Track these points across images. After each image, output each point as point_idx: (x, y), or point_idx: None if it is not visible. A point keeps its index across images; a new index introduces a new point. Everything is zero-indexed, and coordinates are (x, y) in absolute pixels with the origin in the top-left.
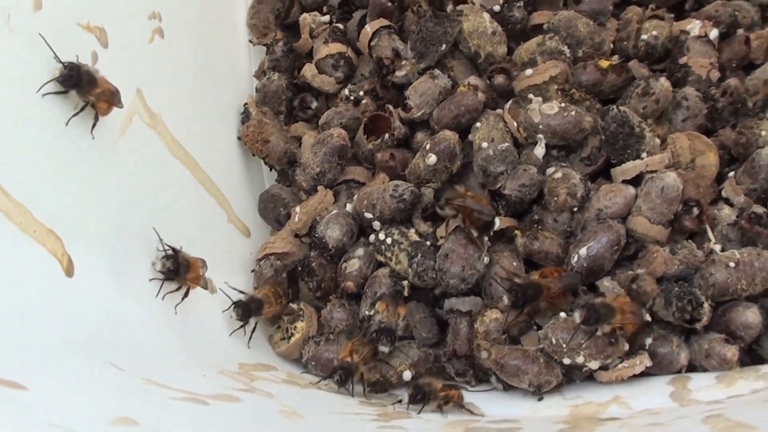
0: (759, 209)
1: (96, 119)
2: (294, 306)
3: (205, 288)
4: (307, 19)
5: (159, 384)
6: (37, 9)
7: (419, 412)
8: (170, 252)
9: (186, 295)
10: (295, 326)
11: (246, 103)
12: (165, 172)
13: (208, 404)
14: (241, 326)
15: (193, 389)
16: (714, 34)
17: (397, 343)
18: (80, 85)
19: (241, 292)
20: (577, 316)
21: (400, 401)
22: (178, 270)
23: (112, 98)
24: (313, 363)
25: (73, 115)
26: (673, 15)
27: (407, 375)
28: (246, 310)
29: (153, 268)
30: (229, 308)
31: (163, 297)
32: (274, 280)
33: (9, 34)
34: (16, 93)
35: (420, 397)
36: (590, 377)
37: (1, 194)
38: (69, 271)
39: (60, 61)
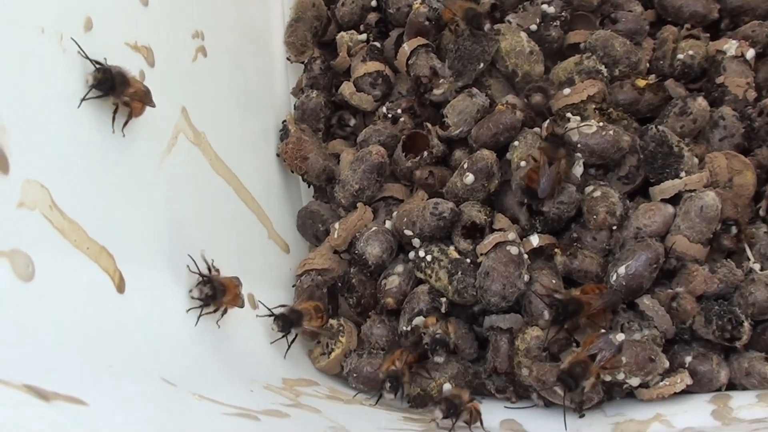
0: None
1: (128, 118)
2: (334, 321)
3: (242, 306)
4: (344, 37)
5: (211, 399)
6: (87, 29)
7: (452, 429)
8: (206, 278)
9: (224, 313)
10: (336, 341)
11: (285, 121)
12: (209, 189)
13: (259, 420)
14: (282, 336)
15: (243, 404)
16: (750, 54)
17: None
18: (114, 86)
19: (282, 305)
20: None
21: (434, 421)
22: (215, 294)
23: (144, 98)
24: (354, 375)
25: (113, 118)
26: (708, 35)
27: (447, 387)
28: (287, 321)
29: (190, 296)
30: (271, 320)
31: (196, 322)
32: (314, 294)
33: (61, 54)
34: (66, 112)
35: (453, 411)
36: (631, 394)
37: (56, 212)
38: (121, 288)
39: (94, 64)
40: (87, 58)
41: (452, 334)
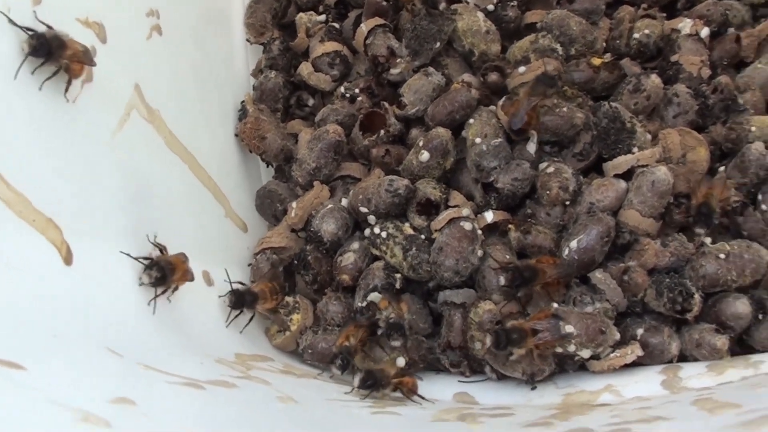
0: (732, 200)
1: (69, 82)
2: (290, 299)
3: (192, 280)
4: (303, 18)
5: (157, 369)
6: (36, 4)
7: (366, 398)
8: (151, 261)
9: (175, 289)
10: (292, 319)
11: (243, 101)
12: (163, 166)
13: (204, 389)
14: (236, 316)
15: (190, 375)
16: (705, 32)
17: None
18: (51, 51)
19: (241, 283)
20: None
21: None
22: (165, 275)
23: (84, 57)
24: (309, 351)
25: (46, 80)
26: (665, 14)
27: (401, 362)
28: (240, 299)
29: (140, 283)
30: (224, 295)
31: (154, 310)
32: (271, 275)
33: (8, 28)
34: (13, 85)
35: (370, 383)
36: (583, 367)
37: (1, 183)
38: (68, 260)
39: (25, 31)
40: (17, 25)
41: (405, 313)
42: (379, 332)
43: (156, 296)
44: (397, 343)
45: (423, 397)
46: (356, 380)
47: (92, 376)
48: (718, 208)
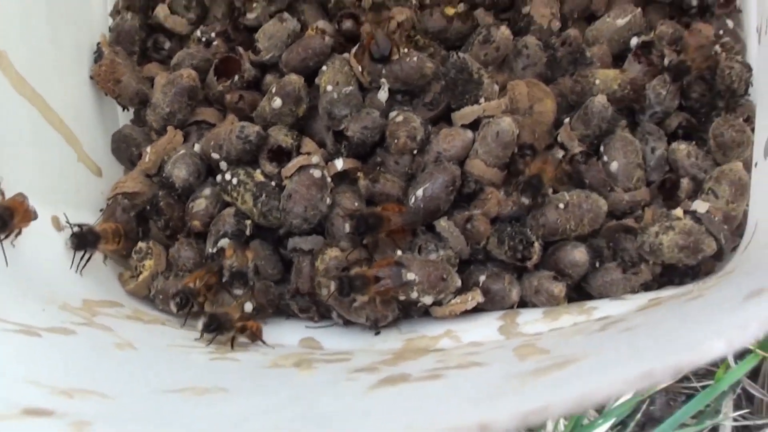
0: (577, 149)
1: None
2: (143, 245)
3: (35, 219)
4: None
5: None
6: None
7: (210, 343)
8: None
9: (19, 233)
10: (144, 264)
11: (99, 43)
12: (9, 108)
13: (40, 336)
14: (81, 258)
15: (28, 322)
16: None
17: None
18: None
19: (81, 225)
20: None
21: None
22: (4, 221)
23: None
24: (160, 297)
25: None
26: None
27: (248, 306)
28: (82, 240)
29: None
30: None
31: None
32: (114, 215)
33: None
34: None
35: (214, 327)
36: (427, 313)
37: None
38: None
39: None
40: None
41: (250, 262)
42: (224, 280)
43: (9, 240)
44: (239, 292)
45: (265, 342)
46: (200, 324)
47: None
48: (548, 184)
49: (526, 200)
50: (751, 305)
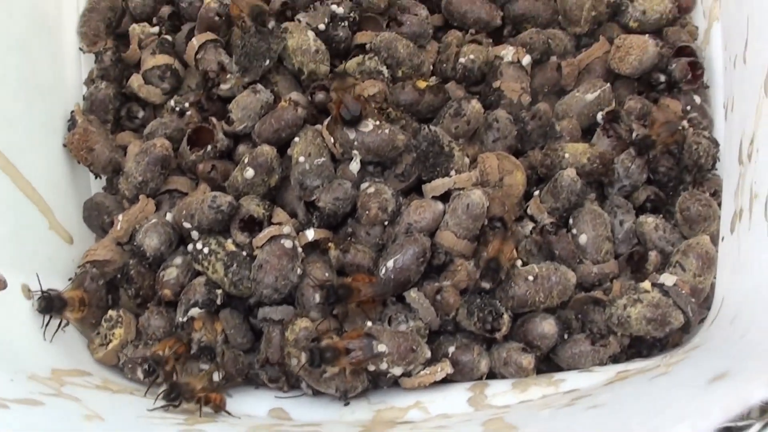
0: (547, 221)
1: None
2: (113, 313)
3: (4, 288)
4: (136, 29)
5: None
6: None
7: (168, 410)
8: None
9: None
10: (114, 333)
11: (73, 111)
12: None
13: (8, 407)
14: (47, 323)
15: None
16: (527, 60)
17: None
18: None
19: (50, 290)
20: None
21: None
22: None
23: None
24: (129, 366)
25: None
26: (491, 40)
27: (216, 376)
28: (49, 304)
29: None
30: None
31: None
32: (83, 283)
33: None
34: None
35: (174, 395)
36: (397, 383)
37: None
38: None
39: None
40: None
41: (219, 334)
42: (191, 352)
43: None
44: (205, 366)
45: (229, 413)
46: (160, 392)
47: None
48: (506, 266)
49: (486, 285)
50: (715, 389)
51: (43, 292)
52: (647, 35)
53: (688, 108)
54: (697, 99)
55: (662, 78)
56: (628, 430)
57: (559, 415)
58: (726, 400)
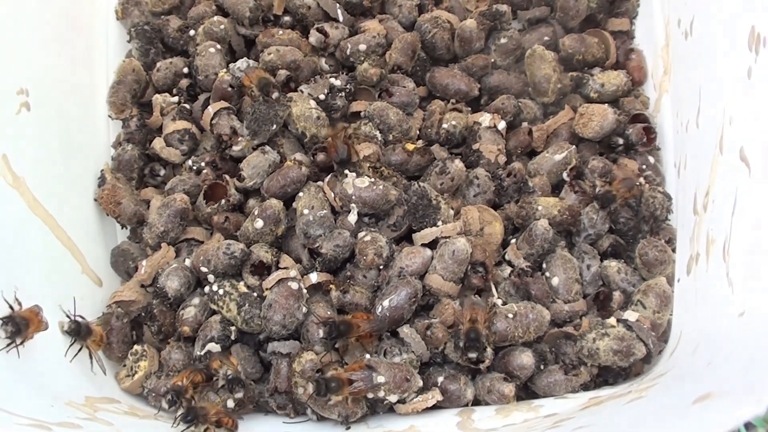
0: (524, 264)
1: None
2: (138, 347)
3: (46, 329)
4: (158, 99)
5: (9, 412)
6: None
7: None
8: (6, 318)
9: (30, 338)
10: (139, 365)
11: (103, 170)
12: (25, 227)
13: (50, 430)
14: (72, 344)
15: (40, 417)
16: (502, 125)
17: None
18: None
19: (81, 317)
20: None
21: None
22: (20, 329)
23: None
24: (153, 394)
25: None
26: (470, 108)
27: (230, 403)
28: (77, 328)
29: None
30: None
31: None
32: (114, 324)
33: None
34: None
35: (190, 418)
36: (392, 409)
37: None
38: None
39: None
40: None
41: (238, 365)
42: (220, 385)
43: (14, 345)
44: (240, 395)
45: None
46: (178, 413)
47: None
48: (484, 330)
49: (473, 355)
50: (701, 410)
51: (74, 317)
52: (606, 104)
53: (644, 167)
54: (651, 159)
55: (620, 141)
56: None
57: None
58: (714, 418)
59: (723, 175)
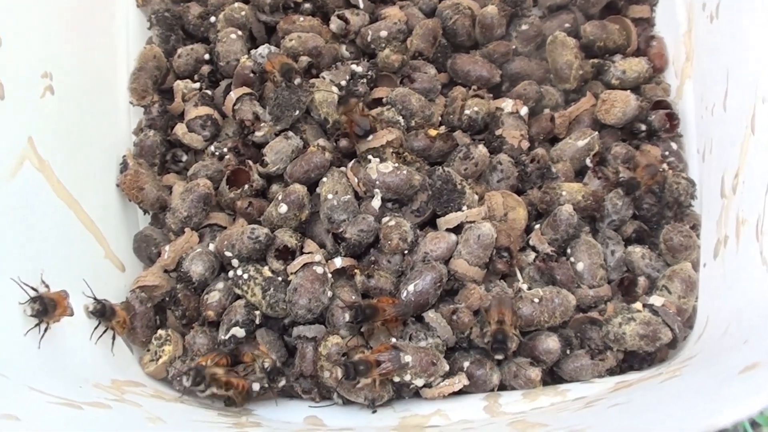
0: (548, 249)
1: None
2: (162, 332)
3: (72, 315)
4: (180, 85)
5: (40, 391)
6: None
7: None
8: (35, 297)
9: (57, 321)
10: (164, 349)
11: (125, 156)
12: (50, 210)
13: (82, 408)
14: (97, 326)
15: (70, 396)
16: (524, 111)
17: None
18: None
19: (106, 300)
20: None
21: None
22: (47, 309)
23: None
24: (177, 379)
25: None
26: (491, 95)
27: (256, 387)
28: (102, 309)
29: (23, 311)
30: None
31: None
32: (138, 309)
33: None
34: None
35: (199, 380)
36: (417, 394)
37: None
38: None
39: None
40: None
41: (268, 352)
42: (264, 384)
43: (43, 328)
44: (282, 383)
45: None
46: (184, 379)
47: None
48: (511, 332)
49: (500, 357)
50: (750, 378)
51: (99, 300)
52: (628, 91)
53: (666, 153)
54: (674, 145)
55: (643, 127)
56: (683, 413)
57: (583, 414)
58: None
59: (754, 155)
